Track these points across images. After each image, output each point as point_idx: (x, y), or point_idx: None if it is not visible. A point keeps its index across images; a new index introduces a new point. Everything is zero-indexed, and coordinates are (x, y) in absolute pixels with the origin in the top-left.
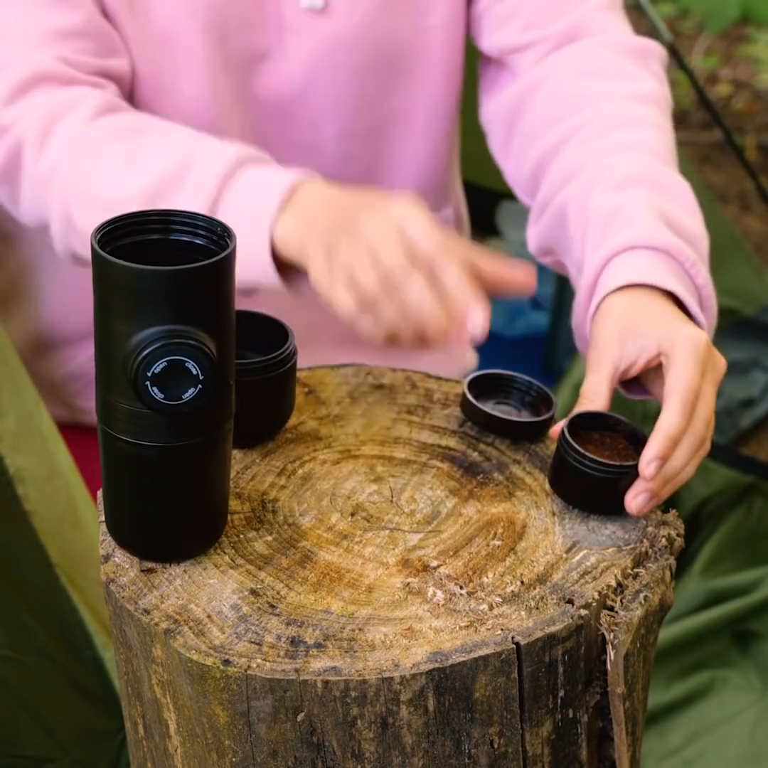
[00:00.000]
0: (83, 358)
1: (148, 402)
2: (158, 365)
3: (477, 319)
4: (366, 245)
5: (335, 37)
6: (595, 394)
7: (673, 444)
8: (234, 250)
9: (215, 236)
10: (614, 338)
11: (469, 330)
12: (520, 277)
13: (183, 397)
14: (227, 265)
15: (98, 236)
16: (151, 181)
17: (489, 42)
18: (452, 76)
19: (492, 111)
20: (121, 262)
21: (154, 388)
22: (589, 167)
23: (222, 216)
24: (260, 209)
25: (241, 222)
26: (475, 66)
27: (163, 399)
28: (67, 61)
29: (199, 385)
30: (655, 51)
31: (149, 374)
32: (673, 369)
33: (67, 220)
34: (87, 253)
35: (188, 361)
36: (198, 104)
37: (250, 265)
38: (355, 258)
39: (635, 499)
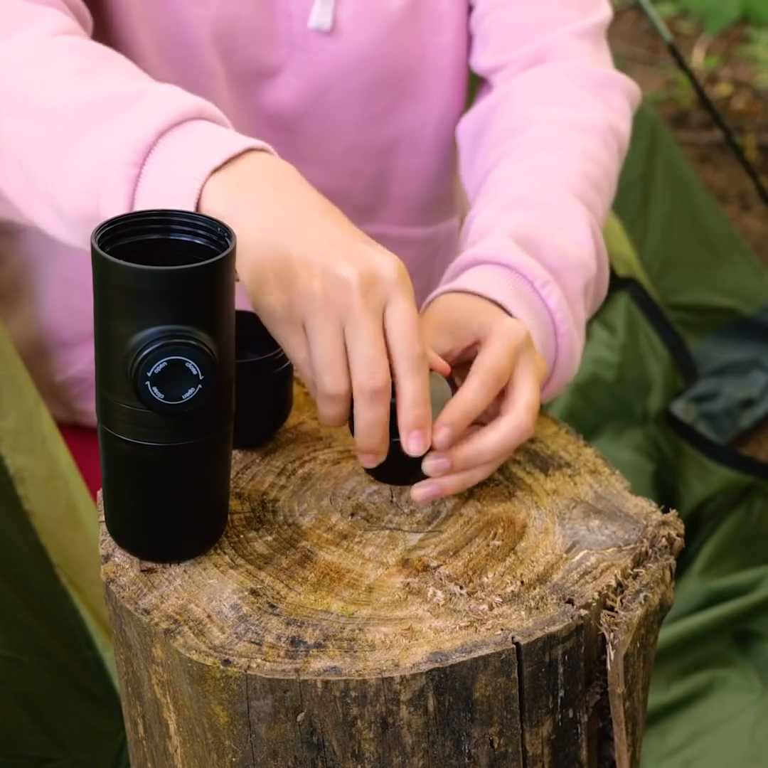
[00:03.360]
0: (84, 362)
1: (148, 402)
2: (158, 365)
3: (414, 447)
4: (334, 315)
5: (343, 58)
6: None
7: (466, 416)
8: (234, 249)
9: (215, 236)
10: (427, 331)
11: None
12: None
13: (183, 397)
14: (227, 265)
15: (98, 236)
16: (95, 97)
17: (472, 62)
18: (460, 92)
19: (462, 128)
20: (121, 262)
21: (154, 388)
22: (496, 187)
23: (151, 163)
24: (188, 173)
25: (168, 175)
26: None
27: (163, 399)
28: None
29: (199, 385)
30: (620, 84)
31: (149, 374)
32: (482, 351)
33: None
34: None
35: (188, 361)
36: None
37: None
38: (319, 325)
39: (429, 461)
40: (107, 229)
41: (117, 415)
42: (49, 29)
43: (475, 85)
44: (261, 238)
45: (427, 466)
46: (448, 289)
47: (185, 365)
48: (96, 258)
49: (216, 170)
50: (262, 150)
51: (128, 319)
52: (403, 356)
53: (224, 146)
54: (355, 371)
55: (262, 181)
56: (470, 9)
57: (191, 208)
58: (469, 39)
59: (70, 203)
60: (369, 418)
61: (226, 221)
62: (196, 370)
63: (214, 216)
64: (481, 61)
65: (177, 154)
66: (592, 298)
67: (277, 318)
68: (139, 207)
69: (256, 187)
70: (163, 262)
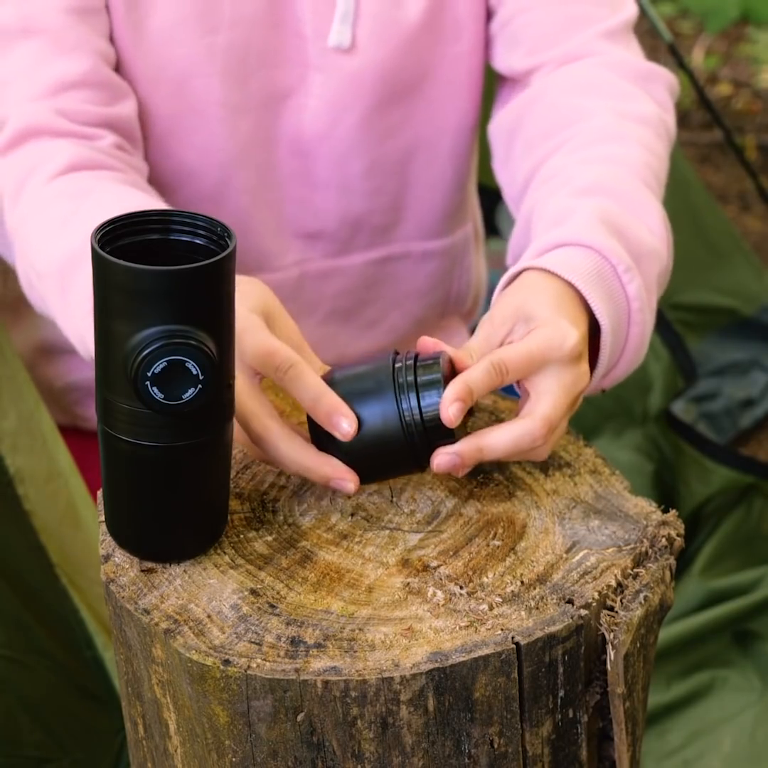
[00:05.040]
0: (85, 368)
1: (148, 402)
2: (158, 365)
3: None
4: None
5: (361, 74)
6: (473, 353)
7: (469, 392)
8: (234, 249)
9: (215, 236)
10: (508, 316)
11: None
12: None
13: (183, 397)
14: (227, 265)
15: (98, 236)
16: (69, 252)
17: (498, 64)
18: (475, 98)
19: (496, 125)
20: (121, 262)
21: (154, 388)
22: (560, 175)
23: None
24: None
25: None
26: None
27: (163, 399)
28: (64, 112)
29: (199, 385)
30: (662, 77)
31: (149, 374)
32: (515, 342)
33: (27, 280)
34: (45, 312)
35: (188, 361)
36: (210, 146)
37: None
38: None
39: (438, 458)
40: (107, 229)
41: (117, 415)
42: (49, 173)
43: (490, 88)
44: None
45: (437, 463)
46: (532, 265)
47: (185, 365)
48: (96, 258)
49: None
50: None
51: (128, 319)
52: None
53: None
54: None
55: None
56: (488, 15)
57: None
58: (486, 44)
59: (79, 348)
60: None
61: None
62: (196, 370)
63: None
64: (512, 64)
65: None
66: (661, 289)
67: None
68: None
69: None
70: (163, 263)
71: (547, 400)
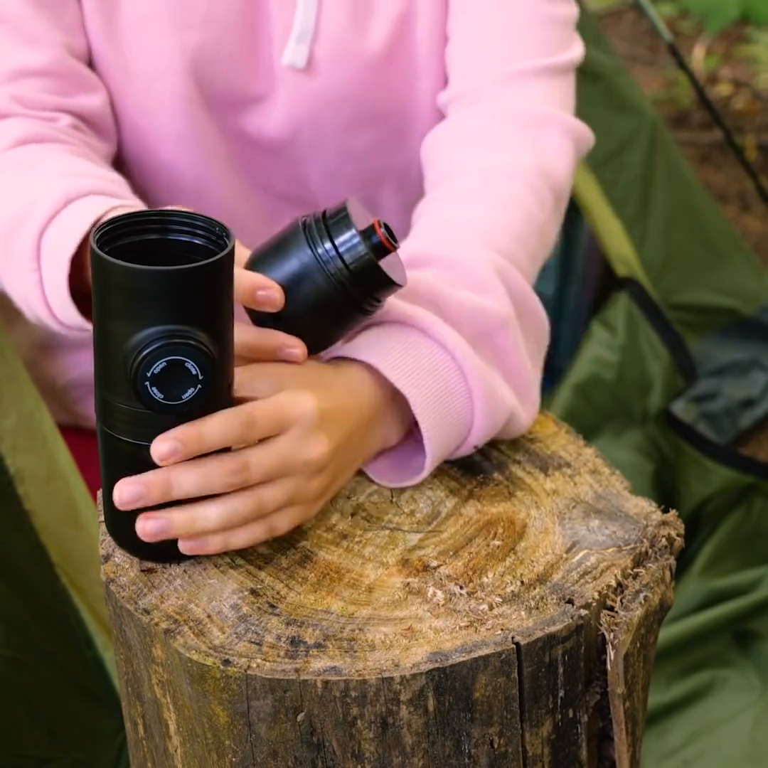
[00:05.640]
0: (86, 366)
1: (147, 402)
2: (158, 365)
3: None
4: None
5: (320, 95)
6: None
7: (203, 442)
8: (233, 249)
9: (214, 236)
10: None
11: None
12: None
13: (182, 397)
14: (226, 264)
15: (97, 236)
16: (8, 220)
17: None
18: None
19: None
20: (120, 262)
21: (154, 388)
22: (409, 238)
23: (43, 265)
24: (64, 244)
25: (50, 260)
26: None
27: (162, 399)
28: (20, 98)
29: (199, 385)
30: (558, 124)
31: (149, 374)
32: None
33: None
34: None
35: (188, 361)
36: (180, 140)
37: (57, 300)
38: None
39: (156, 444)
40: (106, 229)
41: (117, 416)
42: (2, 146)
43: None
44: None
45: (154, 449)
46: (334, 352)
47: (185, 365)
48: (95, 258)
49: (73, 258)
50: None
51: (127, 319)
52: None
53: (76, 232)
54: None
55: None
56: None
57: (69, 299)
58: None
59: (24, 309)
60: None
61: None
62: (196, 370)
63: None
64: (439, 97)
65: (50, 253)
66: (526, 336)
67: None
68: (54, 305)
69: None
70: (162, 263)
71: (260, 406)
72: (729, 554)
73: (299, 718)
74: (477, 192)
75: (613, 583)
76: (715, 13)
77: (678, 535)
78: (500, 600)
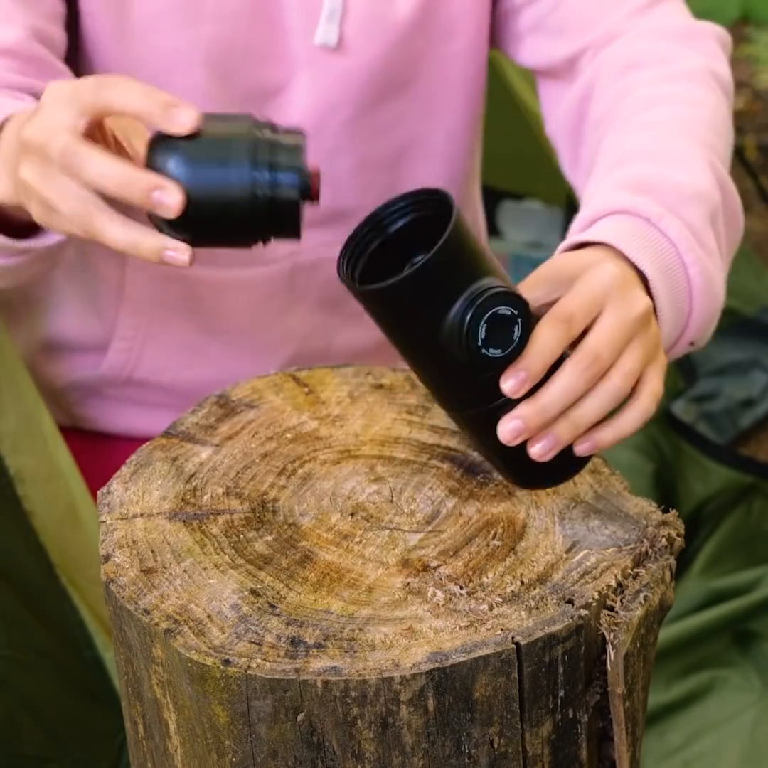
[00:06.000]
0: (86, 368)
1: (490, 363)
2: (481, 329)
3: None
4: (33, 145)
5: (350, 73)
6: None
7: (541, 360)
8: (452, 201)
9: (424, 202)
10: (547, 279)
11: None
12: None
13: (514, 338)
14: (459, 220)
15: (347, 277)
16: None
17: (533, 59)
18: (473, 100)
19: (554, 128)
20: (401, 276)
21: (490, 349)
22: (599, 157)
23: None
24: None
25: None
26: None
27: (501, 353)
28: None
29: (520, 319)
30: (708, 31)
31: (479, 341)
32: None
33: None
34: None
35: (500, 308)
36: None
37: None
38: (27, 161)
39: (505, 425)
40: (346, 266)
41: (466, 397)
42: None
43: (492, 89)
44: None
45: (502, 431)
46: (559, 250)
47: (499, 312)
48: (370, 295)
49: None
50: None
51: (429, 317)
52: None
53: None
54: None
55: (12, 137)
56: (499, 15)
57: None
58: (486, 43)
59: None
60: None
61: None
62: (509, 310)
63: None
64: (554, 55)
65: None
66: (726, 229)
67: (27, 189)
68: None
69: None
70: (403, 257)
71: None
72: (729, 554)
73: (299, 718)
74: (665, 96)
75: (613, 583)
76: (715, 13)
77: (678, 535)
78: (500, 600)
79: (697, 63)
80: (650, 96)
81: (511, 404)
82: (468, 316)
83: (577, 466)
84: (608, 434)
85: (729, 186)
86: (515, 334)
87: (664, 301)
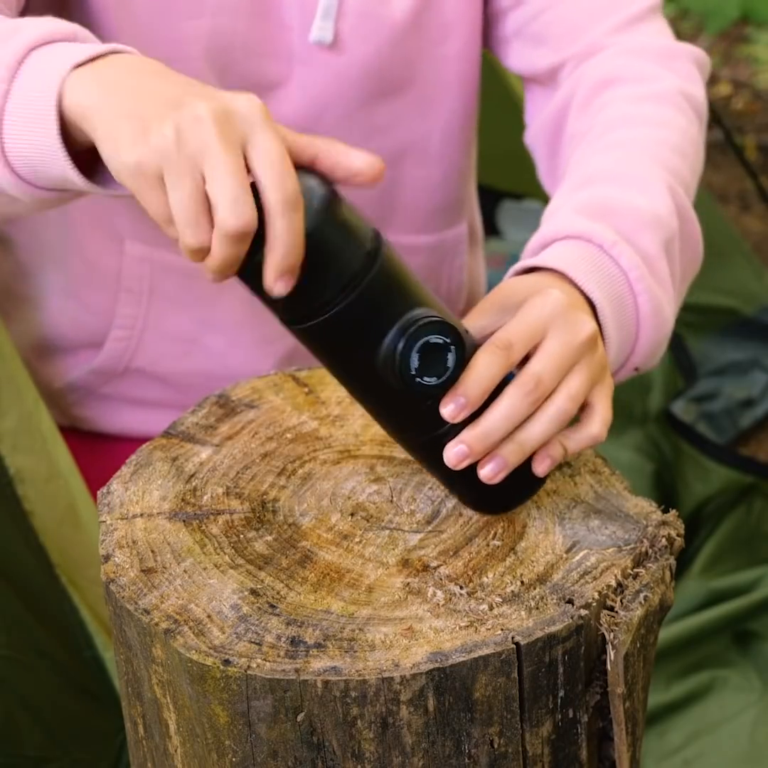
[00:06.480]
0: (82, 368)
1: (423, 392)
2: (413, 359)
3: (279, 289)
4: (189, 162)
5: (345, 71)
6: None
7: (479, 386)
8: (383, 250)
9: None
10: (474, 312)
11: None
12: (358, 164)
13: (448, 365)
14: (388, 258)
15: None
16: None
17: (518, 64)
18: (468, 100)
19: (534, 134)
20: (320, 318)
21: (424, 378)
22: (568, 174)
23: (19, 75)
24: (52, 72)
25: (33, 81)
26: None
27: (436, 381)
28: None
29: (453, 346)
30: (684, 53)
31: (413, 370)
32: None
33: None
34: None
35: (430, 336)
36: None
37: (39, 148)
38: (175, 175)
39: (450, 449)
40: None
41: (411, 427)
42: None
43: (486, 89)
44: (118, 108)
45: (448, 454)
46: (510, 273)
47: (430, 341)
48: (300, 333)
49: (79, 65)
50: (130, 53)
51: (365, 347)
52: (273, 189)
53: (89, 49)
54: (217, 213)
55: (123, 70)
56: (489, 18)
57: (53, 104)
58: (480, 46)
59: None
60: (230, 258)
61: (86, 107)
62: (441, 339)
63: (76, 106)
64: (536, 62)
65: (43, 63)
66: (682, 256)
67: (132, 176)
68: (8, 120)
69: (118, 74)
70: None
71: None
72: (729, 554)
73: (299, 718)
74: (633, 117)
75: (613, 583)
76: (715, 13)
77: (678, 535)
78: (500, 600)
79: (671, 84)
80: (620, 115)
81: (456, 430)
82: (400, 346)
83: (531, 489)
84: (557, 452)
85: (688, 213)
86: (449, 361)
87: (612, 327)
